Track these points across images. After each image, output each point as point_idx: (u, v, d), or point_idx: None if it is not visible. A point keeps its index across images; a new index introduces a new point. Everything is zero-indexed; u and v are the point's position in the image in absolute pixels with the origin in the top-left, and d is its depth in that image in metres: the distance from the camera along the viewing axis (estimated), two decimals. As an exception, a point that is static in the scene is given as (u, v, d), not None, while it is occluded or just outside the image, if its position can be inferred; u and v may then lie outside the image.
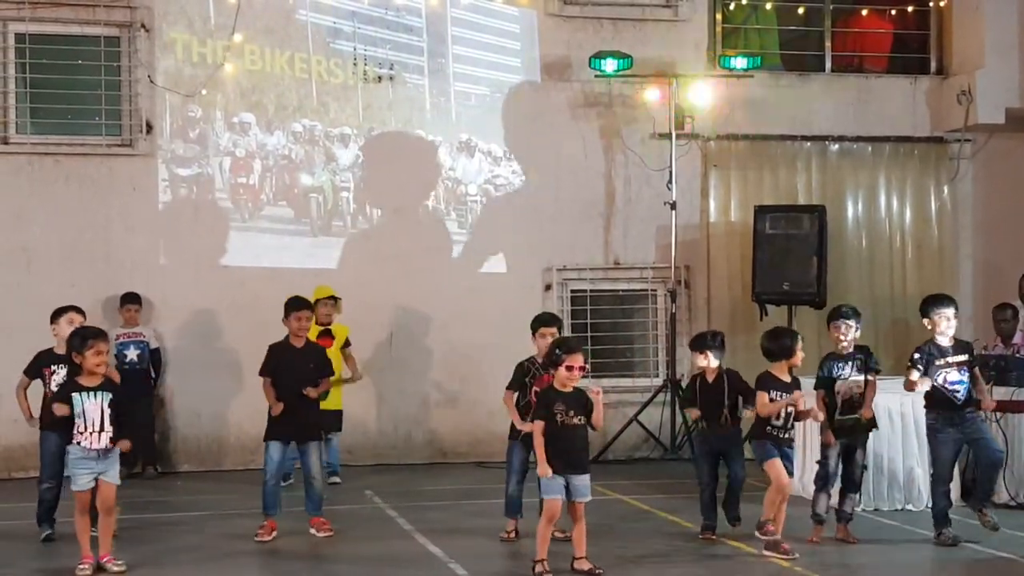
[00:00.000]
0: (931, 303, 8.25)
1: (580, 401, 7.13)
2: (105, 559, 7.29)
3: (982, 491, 8.25)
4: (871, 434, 8.45)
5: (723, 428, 8.17)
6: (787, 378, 7.87)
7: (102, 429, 7.24)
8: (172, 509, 9.58)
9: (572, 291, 12.54)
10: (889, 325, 12.98)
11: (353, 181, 12.08)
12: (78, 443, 7.23)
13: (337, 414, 10.56)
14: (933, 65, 13.42)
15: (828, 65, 13.29)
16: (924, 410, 8.32)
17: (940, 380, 8.05)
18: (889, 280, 13.05)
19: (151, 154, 11.64)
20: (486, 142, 12.37)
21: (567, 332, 12.42)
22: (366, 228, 12.10)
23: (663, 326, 12.53)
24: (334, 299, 10.63)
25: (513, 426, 8.08)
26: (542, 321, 8.36)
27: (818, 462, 8.31)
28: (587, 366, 7.51)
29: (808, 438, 9.43)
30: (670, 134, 12.06)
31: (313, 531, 8.42)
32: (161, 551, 7.93)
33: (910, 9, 13.32)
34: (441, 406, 12.08)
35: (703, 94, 12.19)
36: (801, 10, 13.32)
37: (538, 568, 7.09)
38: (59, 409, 7.25)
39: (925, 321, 8.26)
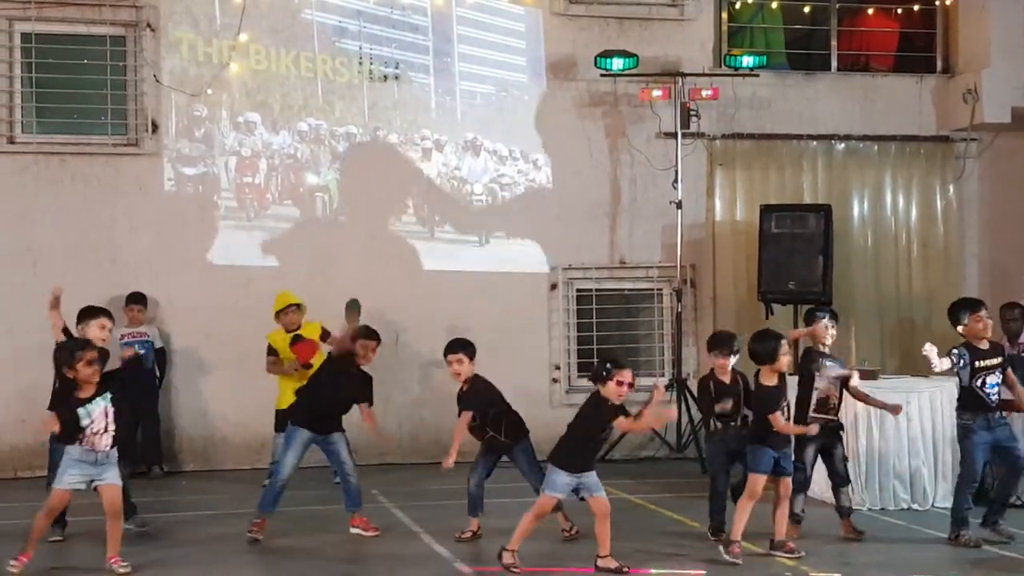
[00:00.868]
0: (965, 307, 8.19)
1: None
2: (113, 560, 7.30)
3: (1000, 500, 8.27)
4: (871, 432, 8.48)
5: (738, 429, 8.16)
6: (773, 381, 7.85)
7: (106, 430, 7.27)
8: (178, 508, 9.59)
9: (578, 290, 12.54)
10: (895, 324, 12.98)
11: (357, 180, 12.08)
12: (80, 443, 7.24)
13: None
14: (939, 64, 13.41)
15: (834, 64, 13.28)
16: (956, 411, 8.30)
17: (979, 383, 8.06)
18: (895, 279, 13.03)
19: (157, 153, 11.65)
20: (492, 141, 12.36)
21: (573, 332, 12.46)
22: (371, 227, 12.10)
23: (669, 325, 12.52)
24: (297, 306, 10.29)
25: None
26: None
27: (795, 464, 8.24)
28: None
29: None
30: (676, 133, 12.05)
31: (359, 531, 8.41)
32: (168, 551, 7.94)
33: (916, 8, 13.30)
34: (447, 406, 12.01)
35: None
36: (807, 9, 13.29)
37: (507, 558, 7.21)
38: (49, 425, 7.30)
39: (960, 328, 8.19)
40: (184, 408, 11.58)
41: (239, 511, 8.88)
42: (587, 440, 7.35)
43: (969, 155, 13.17)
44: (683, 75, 12.09)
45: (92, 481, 7.32)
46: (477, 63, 12.37)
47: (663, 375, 12.48)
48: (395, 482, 10.73)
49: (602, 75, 12.13)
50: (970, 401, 8.14)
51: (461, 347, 8.43)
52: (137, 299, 11.23)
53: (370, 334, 8.65)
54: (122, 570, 7.26)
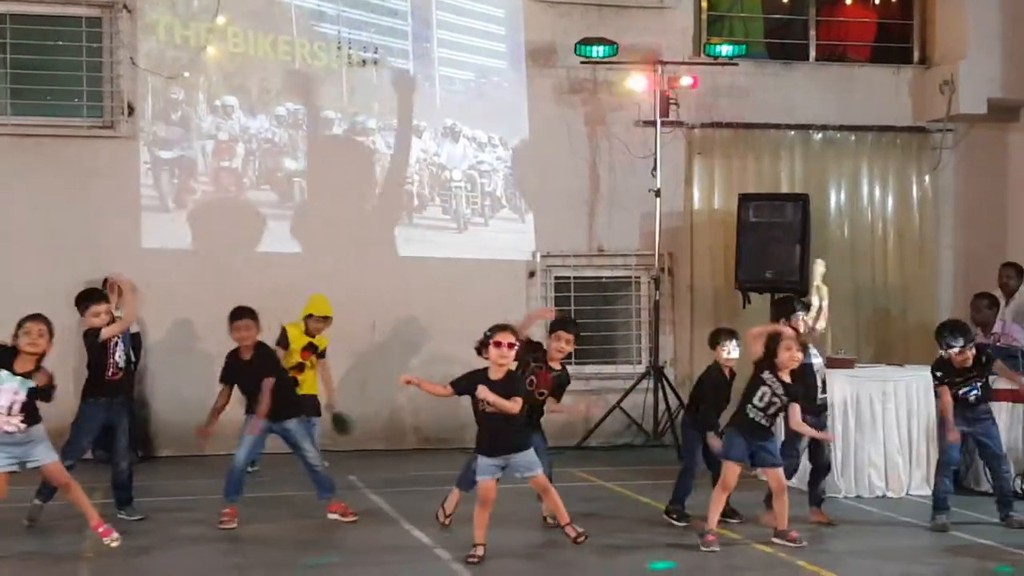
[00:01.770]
0: (956, 335, 8.24)
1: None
2: (100, 528, 7.25)
3: (1001, 493, 8.39)
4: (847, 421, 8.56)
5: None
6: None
7: (9, 412, 7.08)
8: (155, 494, 9.52)
9: (556, 278, 12.55)
10: (871, 313, 13.07)
11: (335, 166, 12.02)
12: None
13: (314, 399, 10.46)
14: (916, 55, 13.48)
15: (812, 54, 13.33)
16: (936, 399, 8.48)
17: (955, 390, 8.23)
18: (871, 269, 13.12)
19: (133, 137, 11.56)
20: (471, 128, 12.34)
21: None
22: (349, 213, 12.06)
23: (646, 313, 12.56)
24: (327, 318, 9.89)
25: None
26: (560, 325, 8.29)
27: (789, 452, 8.29)
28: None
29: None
30: (655, 121, 12.06)
31: (336, 516, 8.38)
32: (147, 536, 7.89)
33: (894, -1, 13.39)
34: (425, 393, 12.01)
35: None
36: (786, -2, 13.35)
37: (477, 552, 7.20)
38: None
39: (943, 352, 8.28)
40: (161, 393, 11.52)
41: (217, 496, 8.84)
42: (480, 421, 7.28)
43: (945, 146, 13.25)
44: (663, 63, 12.10)
45: (24, 462, 7.19)
46: (457, 49, 12.33)
47: (640, 363, 12.52)
48: (374, 469, 10.71)
49: (582, 62, 12.12)
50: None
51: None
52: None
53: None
54: (114, 543, 7.21)
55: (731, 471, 7.61)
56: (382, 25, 12.15)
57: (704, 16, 13.00)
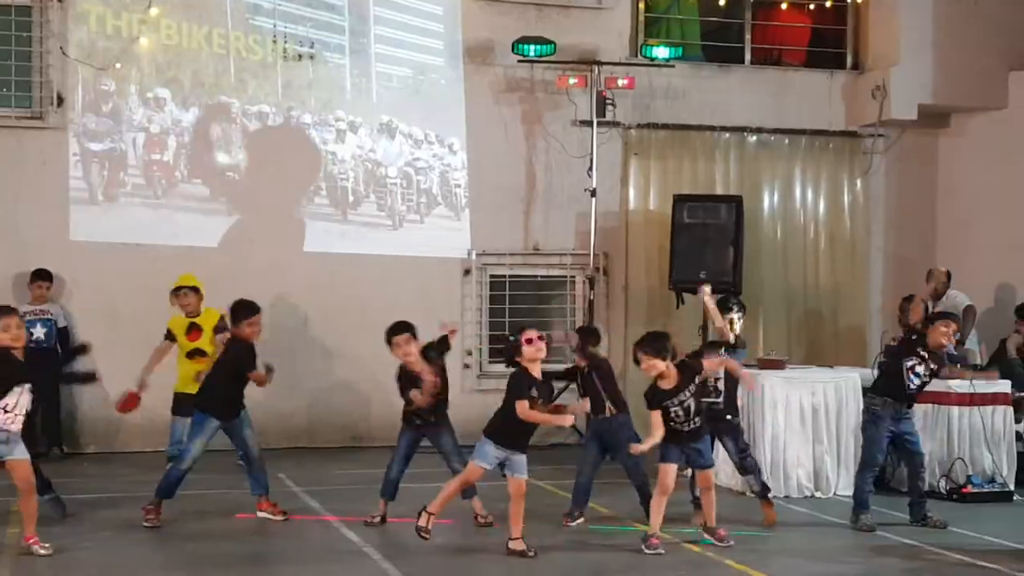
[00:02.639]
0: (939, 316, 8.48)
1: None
2: (31, 540, 7.13)
3: (915, 494, 8.47)
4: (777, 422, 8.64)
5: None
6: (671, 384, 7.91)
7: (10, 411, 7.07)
8: (80, 491, 9.35)
9: (491, 276, 12.54)
10: (802, 315, 13.22)
11: (269, 160, 11.91)
12: None
13: None
14: (849, 60, 13.66)
15: (748, 57, 13.45)
16: (866, 396, 8.57)
17: (909, 365, 8.20)
18: (802, 271, 13.27)
19: (62, 128, 11.36)
20: (407, 124, 12.29)
21: (485, 318, 12.47)
22: (282, 209, 11.94)
23: (581, 313, 12.59)
24: (194, 289, 10.00)
25: (404, 409, 8.18)
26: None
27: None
28: None
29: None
30: (591, 121, 12.09)
31: (266, 515, 8.28)
32: (72, 535, 7.74)
33: (828, 4, 13.50)
34: (355, 390, 11.97)
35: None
36: (722, 2, 13.39)
37: (422, 520, 7.26)
38: None
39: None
40: (86, 389, 11.29)
41: (143, 494, 8.69)
42: (511, 415, 7.30)
43: (876, 151, 13.44)
44: (599, 64, 12.14)
45: (3, 460, 7.11)
46: (394, 45, 12.27)
47: (573, 362, 12.48)
48: (302, 466, 10.62)
49: (519, 61, 12.13)
50: (888, 386, 8.30)
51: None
52: (42, 275, 10.98)
53: (250, 309, 8.39)
54: (43, 552, 7.09)
55: (667, 474, 7.62)
56: (319, 20, 12.05)
57: (641, 18, 13.06)
